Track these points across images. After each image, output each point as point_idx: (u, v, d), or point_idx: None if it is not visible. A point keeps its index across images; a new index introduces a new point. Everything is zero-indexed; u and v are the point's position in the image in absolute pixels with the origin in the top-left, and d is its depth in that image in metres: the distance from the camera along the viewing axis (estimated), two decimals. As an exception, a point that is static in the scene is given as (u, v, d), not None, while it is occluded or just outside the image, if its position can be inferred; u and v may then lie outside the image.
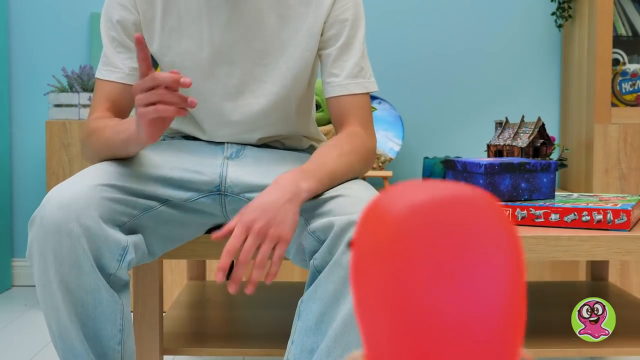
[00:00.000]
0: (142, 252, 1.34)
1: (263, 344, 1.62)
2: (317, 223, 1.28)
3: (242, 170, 1.45)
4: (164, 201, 1.39)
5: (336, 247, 1.23)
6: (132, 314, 1.35)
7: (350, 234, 1.23)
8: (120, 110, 1.46)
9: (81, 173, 1.32)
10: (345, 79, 1.45)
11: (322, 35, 1.46)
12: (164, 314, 1.96)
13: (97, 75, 1.48)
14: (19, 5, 3.02)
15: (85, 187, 1.27)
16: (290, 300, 1.99)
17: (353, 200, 1.27)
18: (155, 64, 2.89)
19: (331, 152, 1.34)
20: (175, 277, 2.62)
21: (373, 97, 2.90)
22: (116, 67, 1.46)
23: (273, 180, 1.30)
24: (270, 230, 1.21)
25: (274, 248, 1.22)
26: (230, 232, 1.22)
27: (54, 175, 2.60)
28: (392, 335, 0.52)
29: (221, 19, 1.42)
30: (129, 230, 1.32)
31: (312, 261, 1.28)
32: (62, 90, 2.68)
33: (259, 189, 1.42)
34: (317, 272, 1.27)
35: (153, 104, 1.18)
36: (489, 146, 1.93)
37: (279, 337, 1.68)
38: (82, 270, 1.22)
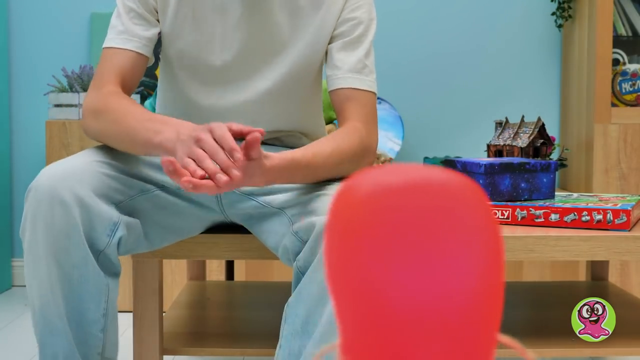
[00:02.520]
0: (136, 235, 1.33)
1: (263, 344, 1.62)
2: (300, 223, 1.27)
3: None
4: (160, 186, 1.39)
5: (318, 247, 1.21)
6: (117, 306, 1.33)
7: None
8: (130, 85, 1.42)
9: (78, 153, 1.32)
10: (347, 72, 1.44)
11: (332, 33, 1.46)
12: (164, 314, 1.96)
13: (110, 44, 1.42)
14: (19, 5, 3.02)
15: (81, 162, 1.27)
16: (290, 300, 1.99)
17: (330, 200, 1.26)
18: (156, 50, 2.88)
19: (325, 148, 1.31)
20: (175, 277, 2.62)
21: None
22: (134, 36, 1.41)
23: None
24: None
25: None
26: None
27: (54, 175, 2.60)
28: (361, 321, 0.50)
29: (234, 15, 1.42)
30: (125, 211, 1.32)
31: (295, 262, 1.27)
32: (62, 90, 2.68)
33: (258, 191, 1.42)
34: (301, 273, 1.25)
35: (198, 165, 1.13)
36: (489, 146, 1.93)
37: (279, 337, 1.67)
38: (72, 241, 1.21)
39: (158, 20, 1.45)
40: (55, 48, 3.03)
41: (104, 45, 1.43)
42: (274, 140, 1.55)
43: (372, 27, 1.48)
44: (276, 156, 1.22)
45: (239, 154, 1.12)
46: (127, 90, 1.41)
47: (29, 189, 1.24)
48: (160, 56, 1.51)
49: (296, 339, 1.24)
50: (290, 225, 1.31)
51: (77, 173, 1.25)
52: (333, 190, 1.31)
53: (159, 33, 1.45)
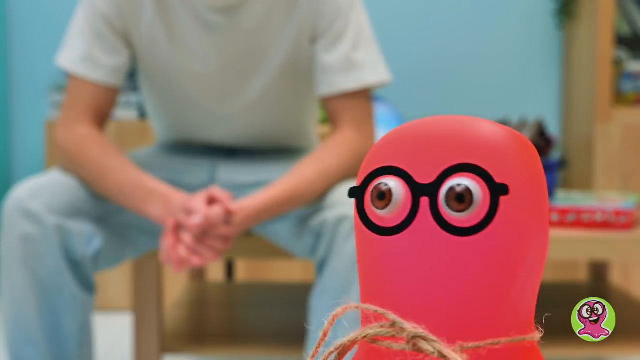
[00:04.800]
0: (119, 248, 1.32)
1: (263, 344, 1.62)
2: (312, 220, 1.29)
3: (233, 170, 1.43)
4: None
5: (335, 240, 1.24)
6: (92, 324, 1.33)
7: (346, 225, 1.24)
8: (103, 118, 1.34)
9: (57, 169, 1.33)
10: (331, 74, 1.32)
11: (312, 27, 1.34)
12: (164, 314, 1.95)
13: (74, 69, 1.31)
14: (19, 5, 3.02)
15: (58, 177, 1.28)
16: (290, 300, 1.98)
17: (345, 193, 1.27)
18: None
19: (308, 174, 1.28)
20: (175, 277, 2.62)
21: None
22: (100, 65, 1.31)
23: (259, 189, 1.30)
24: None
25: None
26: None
27: (54, 175, 2.60)
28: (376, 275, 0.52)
29: (210, 26, 1.33)
30: (109, 224, 1.31)
31: (314, 258, 1.30)
32: (62, 90, 2.68)
33: (249, 187, 1.40)
34: (320, 266, 1.28)
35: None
36: (489, 146, 1.93)
37: (279, 337, 1.67)
38: (46, 249, 1.21)
39: (129, 43, 1.35)
40: (54, 48, 3.02)
41: (67, 64, 1.32)
42: (268, 145, 1.51)
43: (353, 15, 1.34)
44: (247, 205, 1.24)
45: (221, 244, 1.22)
46: (101, 123, 1.34)
47: (4, 201, 1.24)
48: (139, 71, 1.43)
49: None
50: (304, 222, 1.33)
51: (53, 186, 1.25)
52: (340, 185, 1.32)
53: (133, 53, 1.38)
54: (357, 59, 1.33)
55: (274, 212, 1.26)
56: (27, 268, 1.21)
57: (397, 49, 3.03)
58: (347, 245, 1.23)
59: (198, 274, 2.22)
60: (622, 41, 2.84)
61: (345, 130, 1.33)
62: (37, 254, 1.21)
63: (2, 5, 2.95)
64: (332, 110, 1.35)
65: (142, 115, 2.68)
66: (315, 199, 1.30)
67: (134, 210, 1.25)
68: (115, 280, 2.62)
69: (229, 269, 2.71)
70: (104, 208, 1.30)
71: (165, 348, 1.60)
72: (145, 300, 1.55)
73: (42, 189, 1.23)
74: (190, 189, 1.40)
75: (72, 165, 1.29)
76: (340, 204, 1.26)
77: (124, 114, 2.64)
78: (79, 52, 1.31)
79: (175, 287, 2.62)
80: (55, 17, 3.02)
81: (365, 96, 1.35)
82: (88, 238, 1.25)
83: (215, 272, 2.62)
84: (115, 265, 1.33)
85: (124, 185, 1.24)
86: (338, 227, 1.24)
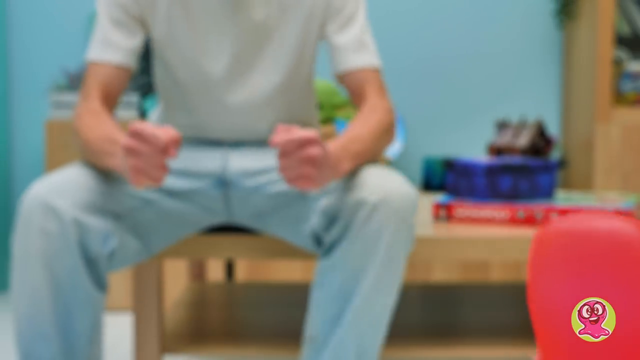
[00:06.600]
0: (135, 249, 1.33)
1: (263, 344, 1.62)
2: (324, 201, 1.32)
3: (244, 157, 1.46)
4: (165, 193, 1.39)
5: (352, 224, 1.26)
6: (103, 322, 1.33)
7: (364, 210, 1.26)
8: (113, 98, 1.42)
9: (76, 165, 1.34)
10: (352, 52, 1.45)
11: (323, 18, 1.47)
12: (164, 314, 1.95)
13: (91, 55, 1.42)
14: (18, 4, 3.02)
15: (76, 174, 1.29)
16: (290, 300, 1.98)
17: (361, 178, 1.30)
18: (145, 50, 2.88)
19: (362, 130, 1.35)
20: (175, 277, 2.62)
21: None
22: (114, 46, 1.40)
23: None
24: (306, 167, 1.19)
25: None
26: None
27: (54, 175, 2.60)
28: (558, 343, 0.58)
29: (226, 16, 1.41)
30: (127, 225, 1.33)
31: (323, 239, 1.32)
32: (62, 89, 2.68)
33: (262, 172, 1.44)
34: (330, 247, 1.29)
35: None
36: (489, 146, 1.93)
37: (279, 337, 1.67)
38: (64, 247, 1.22)
39: (144, 27, 1.44)
40: (54, 48, 3.03)
41: (87, 56, 1.42)
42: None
43: (362, 3, 1.48)
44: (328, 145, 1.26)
45: (172, 152, 1.15)
46: (111, 103, 1.42)
47: (22, 199, 1.25)
48: (154, 57, 1.49)
49: (334, 303, 1.27)
50: (314, 206, 1.35)
51: (71, 184, 1.26)
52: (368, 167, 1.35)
53: (148, 39, 1.45)
54: (366, 41, 1.47)
55: (351, 154, 1.30)
56: (45, 265, 1.22)
57: (397, 48, 3.03)
58: (365, 230, 1.25)
59: (198, 275, 2.22)
60: (622, 41, 2.84)
61: (372, 100, 1.44)
62: (56, 250, 1.22)
63: (2, 5, 2.95)
64: (354, 84, 1.46)
65: (142, 115, 2.68)
66: (368, 158, 1.35)
67: (100, 165, 1.27)
68: (116, 280, 2.62)
69: (229, 269, 2.71)
70: (122, 206, 1.32)
71: (165, 348, 1.60)
72: (145, 301, 1.55)
73: (63, 186, 1.25)
74: (204, 176, 1.43)
75: (74, 138, 1.35)
76: (358, 188, 1.28)
77: (124, 114, 2.64)
78: (96, 40, 1.41)
79: (175, 287, 2.62)
80: (55, 17, 3.02)
81: (379, 74, 1.48)
82: (105, 237, 1.26)
83: (215, 272, 2.62)
84: (127, 266, 1.34)
85: (99, 142, 1.27)
86: (356, 211, 1.26)
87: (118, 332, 2.37)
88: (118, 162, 1.22)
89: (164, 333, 1.69)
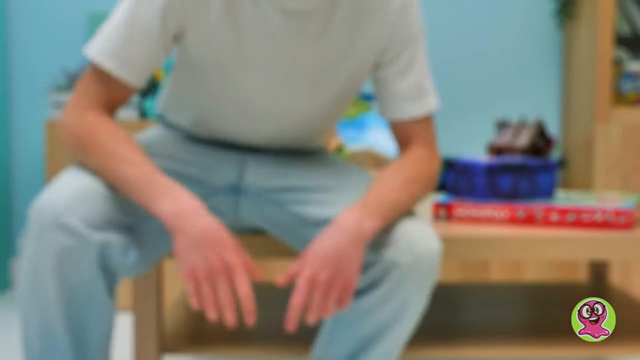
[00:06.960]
0: (147, 257, 1.30)
1: (263, 344, 1.62)
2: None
3: (261, 173, 1.41)
4: None
5: (384, 282, 1.24)
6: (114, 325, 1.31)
7: (395, 273, 1.24)
8: (113, 111, 1.31)
9: (81, 172, 1.25)
10: (407, 101, 1.37)
11: (381, 50, 1.36)
12: (163, 314, 1.96)
13: (107, 64, 1.26)
14: (18, 4, 3.02)
15: (86, 183, 1.22)
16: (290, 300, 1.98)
17: (392, 234, 1.27)
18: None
19: (395, 180, 1.29)
20: (176, 277, 2.62)
21: (372, 97, 2.89)
22: (132, 63, 1.26)
23: (334, 219, 1.24)
24: (336, 281, 1.17)
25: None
26: (292, 278, 1.19)
27: (53, 175, 2.60)
28: None
29: (278, 34, 1.29)
30: (139, 236, 1.28)
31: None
32: (62, 89, 2.68)
33: (278, 192, 1.40)
34: (359, 292, 1.28)
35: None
36: (489, 146, 1.93)
37: (279, 337, 1.67)
38: (86, 261, 1.18)
39: (178, 39, 1.31)
40: (54, 47, 3.03)
41: (94, 54, 1.27)
42: (292, 146, 1.47)
43: (421, 40, 1.38)
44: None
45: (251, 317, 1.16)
46: (113, 114, 1.31)
47: (32, 209, 1.19)
48: (179, 62, 1.38)
49: (354, 343, 1.30)
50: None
51: (85, 196, 1.19)
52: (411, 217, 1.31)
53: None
54: (425, 86, 1.39)
55: (384, 213, 1.25)
56: (60, 279, 1.17)
57: (397, 49, 3.03)
58: (397, 295, 1.25)
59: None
60: (622, 41, 2.84)
61: (417, 149, 1.38)
62: (74, 264, 1.17)
63: (2, 5, 2.95)
64: (403, 133, 1.40)
65: (142, 115, 2.68)
66: (400, 212, 1.29)
67: (143, 206, 1.20)
68: (115, 280, 2.62)
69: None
70: (133, 217, 1.26)
71: (165, 348, 1.60)
72: (145, 300, 1.55)
73: (76, 201, 1.18)
74: (217, 189, 1.40)
75: (81, 151, 1.24)
76: (388, 245, 1.25)
77: (124, 114, 2.64)
78: (112, 44, 1.26)
79: (175, 287, 2.62)
80: (55, 17, 3.02)
81: (431, 119, 1.41)
82: (124, 250, 1.21)
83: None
84: (138, 273, 1.28)
85: (136, 179, 1.19)
86: (388, 272, 1.24)
87: (118, 332, 2.37)
88: (167, 211, 1.17)
89: (164, 333, 1.69)
